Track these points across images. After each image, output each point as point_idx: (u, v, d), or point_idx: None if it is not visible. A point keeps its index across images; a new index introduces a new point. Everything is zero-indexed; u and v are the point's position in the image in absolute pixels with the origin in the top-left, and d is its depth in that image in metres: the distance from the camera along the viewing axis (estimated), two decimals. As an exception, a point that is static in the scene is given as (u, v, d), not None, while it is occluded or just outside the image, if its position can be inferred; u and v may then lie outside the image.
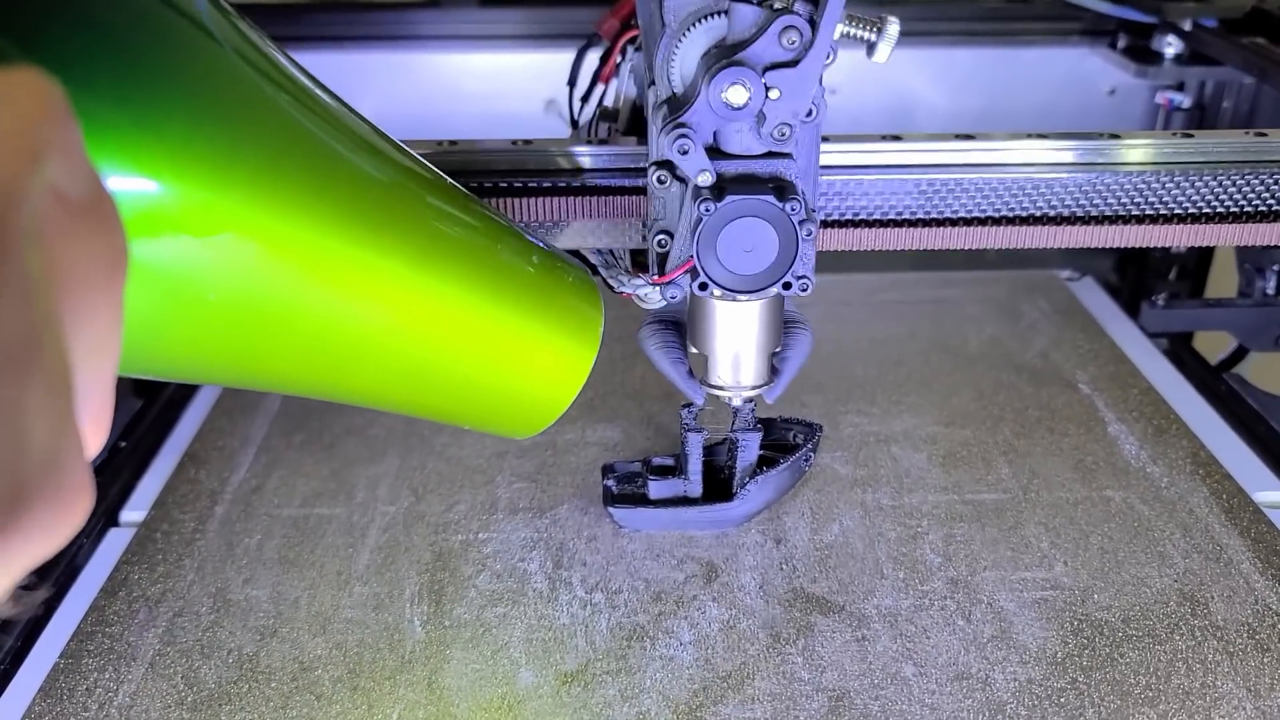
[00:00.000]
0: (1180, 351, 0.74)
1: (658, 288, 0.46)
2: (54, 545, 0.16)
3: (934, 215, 0.53)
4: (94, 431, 0.20)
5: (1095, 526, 0.54)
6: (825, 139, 0.52)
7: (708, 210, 0.43)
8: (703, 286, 0.45)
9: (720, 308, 0.47)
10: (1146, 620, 0.48)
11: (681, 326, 0.51)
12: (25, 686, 0.46)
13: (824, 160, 0.52)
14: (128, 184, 0.26)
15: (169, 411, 0.66)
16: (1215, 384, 0.68)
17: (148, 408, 0.65)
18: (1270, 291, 0.70)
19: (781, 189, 0.43)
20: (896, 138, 0.53)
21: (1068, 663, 0.46)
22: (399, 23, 0.85)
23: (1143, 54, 0.80)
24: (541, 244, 0.42)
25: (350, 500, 0.57)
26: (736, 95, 0.41)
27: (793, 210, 0.43)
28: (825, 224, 0.53)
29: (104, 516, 0.57)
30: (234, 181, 0.28)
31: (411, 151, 0.38)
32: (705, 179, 0.43)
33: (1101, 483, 0.57)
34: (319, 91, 0.34)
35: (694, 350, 0.50)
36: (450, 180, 0.39)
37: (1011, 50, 0.85)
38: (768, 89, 0.41)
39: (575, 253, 0.53)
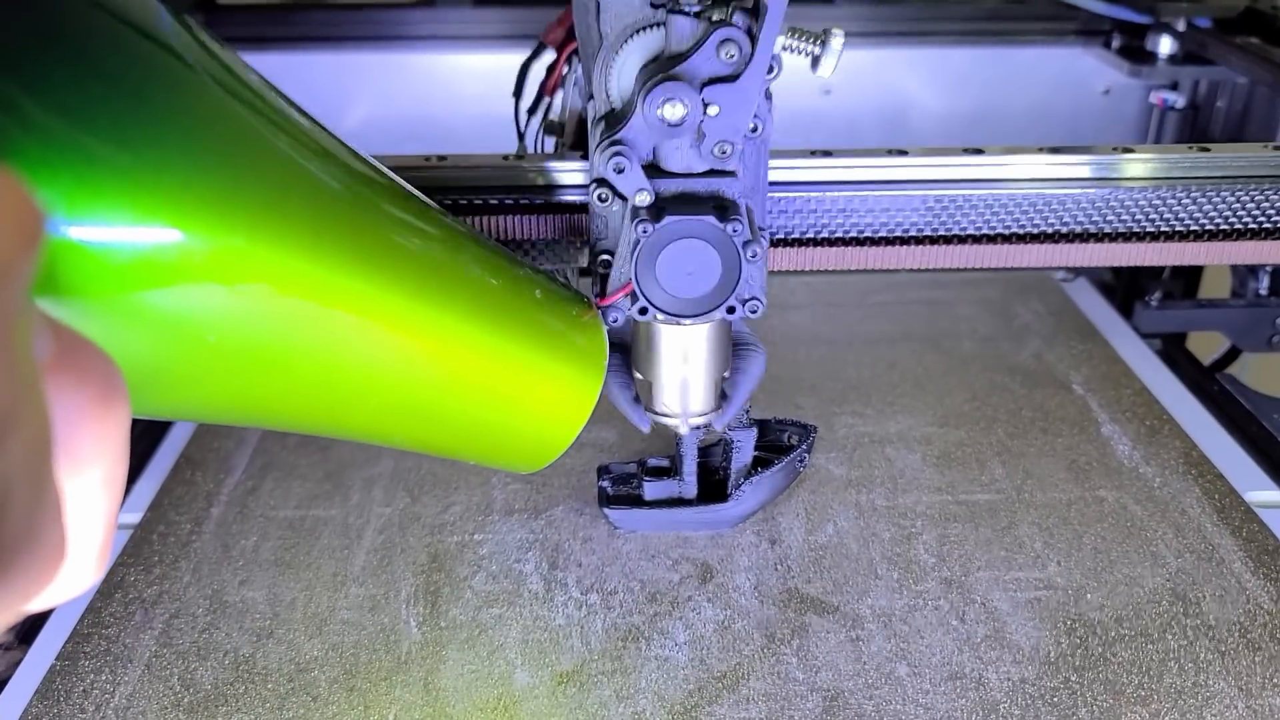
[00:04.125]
0: (1173, 352, 0.74)
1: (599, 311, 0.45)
2: (24, 608, 0.17)
3: (941, 232, 0.52)
4: (98, 564, 0.20)
5: (1088, 527, 0.54)
6: (828, 153, 0.50)
7: (645, 231, 0.41)
8: (642, 311, 0.43)
9: (664, 332, 0.45)
10: (1139, 620, 0.48)
11: (628, 350, 0.49)
12: (22, 688, 0.46)
13: (829, 176, 0.51)
14: (130, 226, 0.26)
15: (165, 413, 0.66)
16: (1208, 384, 0.68)
17: (143, 409, 0.66)
18: (1263, 292, 0.70)
19: (724, 208, 0.41)
20: (902, 152, 0.51)
21: (1060, 662, 0.46)
22: (393, 23, 0.85)
23: (1137, 54, 0.81)
24: (544, 276, 0.42)
25: (346, 502, 0.57)
26: (672, 111, 0.39)
27: (735, 231, 0.41)
28: (830, 241, 0.51)
29: (100, 518, 0.57)
30: (236, 222, 0.28)
31: (410, 186, 0.38)
32: (643, 198, 0.41)
33: (1094, 483, 0.58)
34: (316, 129, 0.34)
35: (639, 376, 0.48)
36: (451, 216, 0.39)
37: (1006, 50, 0.86)
38: (706, 105, 0.39)
39: (581, 271, 0.52)
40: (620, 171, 0.41)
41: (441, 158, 0.51)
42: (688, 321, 0.44)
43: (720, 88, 0.39)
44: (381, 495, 0.57)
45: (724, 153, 0.41)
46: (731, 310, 0.43)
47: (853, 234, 0.52)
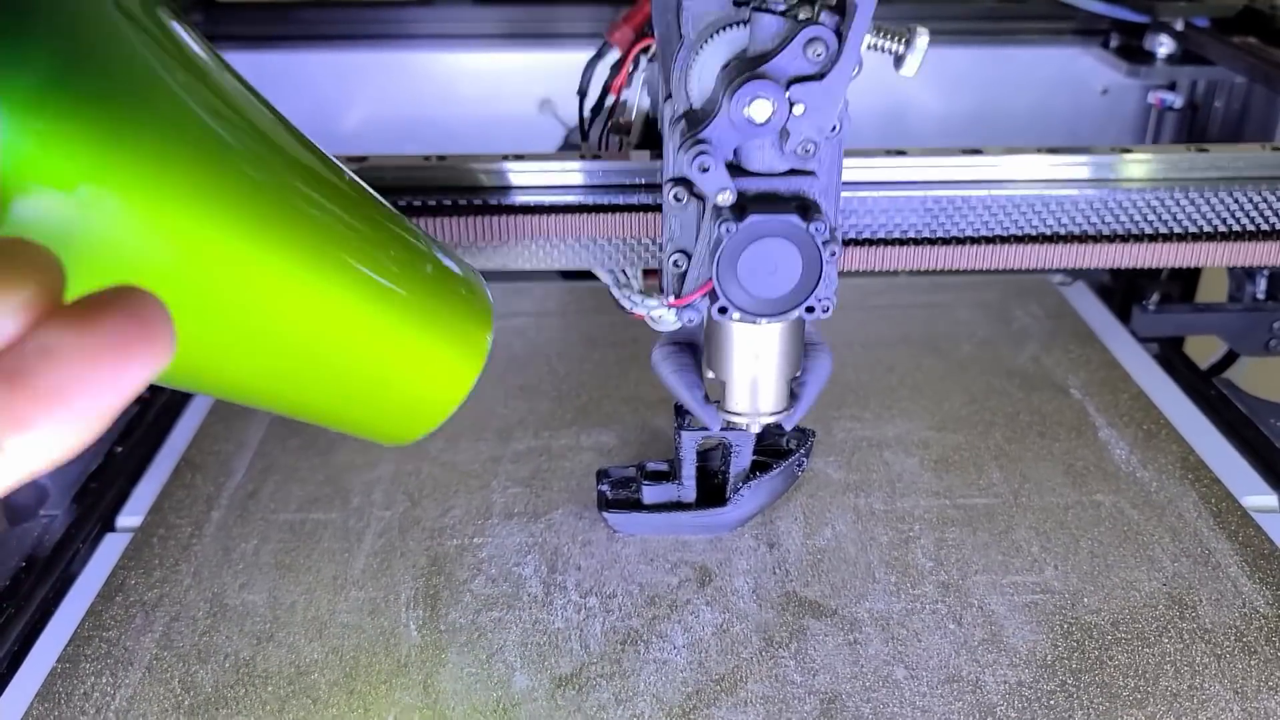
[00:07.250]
0: (1171, 356, 0.74)
1: (673, 310, 0.45)
2: None
3: (940, 234, 0.51)
4: None
5: (1085, 530, 0.54)
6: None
7: (728, 231, 0.41)
8: (722, 310, 0.43)
9: (739, 331, 0.45)
10: (1135, 623, 0.48)
11: (696, 349, 0.49)
12: (23, 690, 0.46)
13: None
14: None
15: (165, 416, 0.66)
16: (1205, 389, 0.69)
17: (144, 412, 0.66)
18: (1260, 296, 0.70)
19: (805, 208, 0.41)
20: (901, 152, 0.51)
21: (1057, 665, 0.46)
22: (393, 21, 0.86)
23: (1135, 53, 0.81)
24: (440, 253, 0.41)
25: (346, 505, 0.57)
26: (759, 110, 0.39)
27: (817, 231, 0.41)
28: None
29: (100, 521, 0.58)
30: (111, 161, 0.27)
31: (314, 142, 0.37)
32: (726, 198, 0.41)
33: (1092, 487, 0.58)
34: (223, 73, 0.33)
35: (710, 375, 0.48)
36: (352, 176, 0.38)
37: (1004, 50, 0.86)
38: (791, 104, 0.39)
39: (584, 273, 0.52)
40: (705, 171, 0.40)
41: (518, 156, 0.52)
42: (764, 321, 0.44)
43: (807, 86, 0.39)
44: (381, 499, 0.57)
45: (807, 152, 0.41)
46: (810, 310, 0.43)
47: (851, 235, 0.52)
